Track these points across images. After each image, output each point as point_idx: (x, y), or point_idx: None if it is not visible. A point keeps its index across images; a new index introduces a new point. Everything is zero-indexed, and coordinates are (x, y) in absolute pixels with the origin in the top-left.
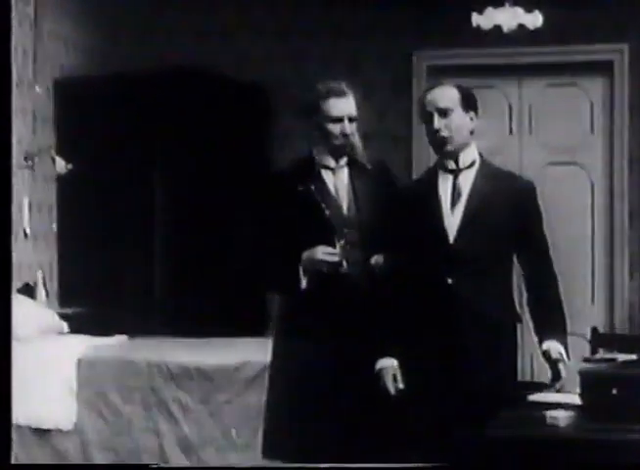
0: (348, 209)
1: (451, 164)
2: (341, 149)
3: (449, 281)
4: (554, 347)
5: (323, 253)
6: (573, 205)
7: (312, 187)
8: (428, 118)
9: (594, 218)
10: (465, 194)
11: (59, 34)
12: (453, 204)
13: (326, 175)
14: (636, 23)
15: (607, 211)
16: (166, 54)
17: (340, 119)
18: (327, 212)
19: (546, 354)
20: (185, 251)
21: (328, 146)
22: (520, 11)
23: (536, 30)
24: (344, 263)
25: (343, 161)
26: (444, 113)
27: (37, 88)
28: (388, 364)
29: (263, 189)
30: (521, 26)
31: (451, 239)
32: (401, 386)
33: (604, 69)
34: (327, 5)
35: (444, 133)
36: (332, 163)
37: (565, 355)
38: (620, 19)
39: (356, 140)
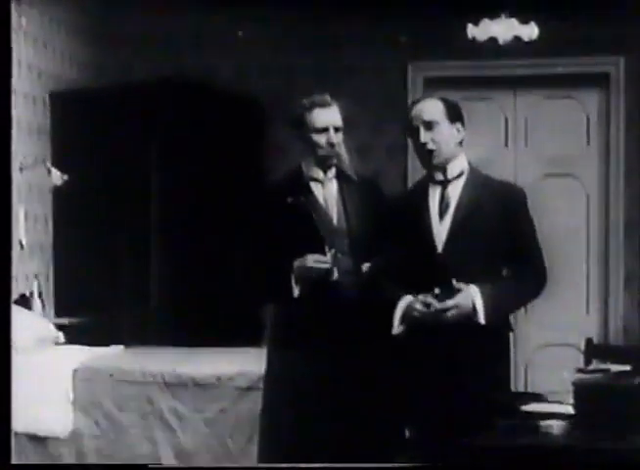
0: (338, 219)
1: (439, 176)
2: (327, 159)
3: (436, 291)
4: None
5: (313, 260)
6: (569, 216)
7: (302, 199)
8: (414, 133)
9: (589, 230)
10: (453, 204)
11: (54, 46)
12: (442, 214)
13: (315, 187)
14: (632, 35)
15: (602, 222)
16: (162, 66)
17: (325, 130)
18: (317, 223)
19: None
20: (181, 261)
21: (315, 157)
22: (515, 23)
23: (532, 42)
24: (335, 271)
25: (332, 173)
26: (430, 126)
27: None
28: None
29: (255, 202)
30: (516, 38)
31: (440, 247)
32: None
33: (600, 81)
34: (323, 17)
35: (430, 146)
36: (320, 175)
37: (475, 300)
38: (617, 31)
39: (343, 150)
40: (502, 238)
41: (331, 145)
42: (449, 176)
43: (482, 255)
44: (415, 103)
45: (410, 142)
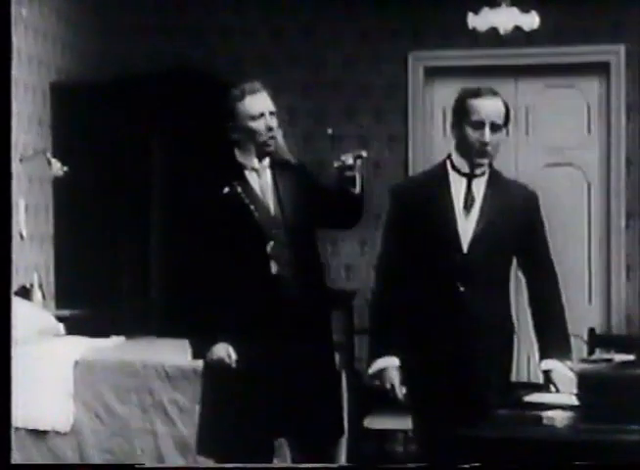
0: (275, 209)
1: (465, 168)
2: (267, 145)
3: (461, 288)
4: (557, 367)
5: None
6: (570, 205)
7: (239, 189)
8: (476, 126)
9: (591, 219)
10: (478, 201)
11: (55, 37)
12: (466, 207)
13: (250, 177)
14: (632, 24)
15: (603, 211)
16: (163, 57)
17: (261, 115)
18: (256, 214)
19: (546, 374)
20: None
21: (255, 144)
22: (516, 12)
23: (533, 31)
24: (275, 265)
25: (266, 161)
26: (496, 128)
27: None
28: (391, 364)
29: (188, 193)
30: (517, 28)
31: (465, 247)
32: (404, 390)
33: (600, 70)
34: (322, 6)
35: (489, 148)
36: (256, 163)
37: (569, 376)
38: (617, 20)
39: (279, 135)
40: (517, 239)
41: (269, 129)
42: (477, 172)
43: (501, 255)
44: (476, 94)
45: (409, 131)
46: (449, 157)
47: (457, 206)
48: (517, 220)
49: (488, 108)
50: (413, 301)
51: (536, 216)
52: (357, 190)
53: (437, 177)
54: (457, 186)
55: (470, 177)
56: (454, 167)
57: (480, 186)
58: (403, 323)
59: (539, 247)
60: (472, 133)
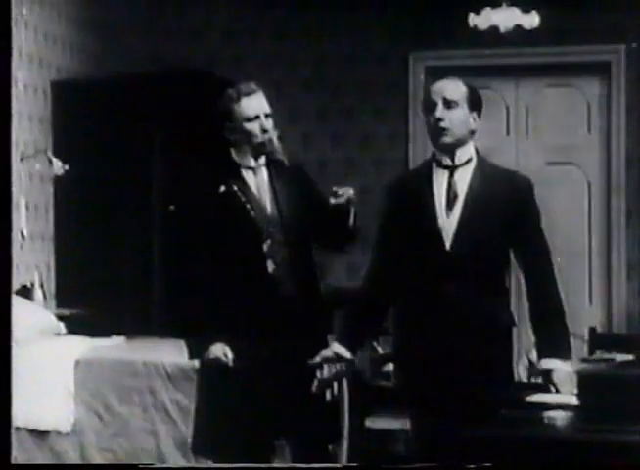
0: (271, 208)
1: (447, 161)
2: (263, 146)
3: (446, 285)
4: (556, 366)
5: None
6: (571, 205)
7: (235, 188)
8: (431, 107)
9: (591, 218)
10: (462, 195)
11: (55, 36)
12: (449, 204)
13: (247, 175)
14: (633, 23)
15: (604, 210)
16: (163, 56)
17: (256, 117)
18: (252, 213)
19: (546, 373)
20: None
21: (250, 145)
22: (517, 11)
23: (533, 31)
24: (271, 264)
25: (262, 160)
26: (449, 104)
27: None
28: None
29: (185, 192)
30: (518, 27)
31: (447, 243)
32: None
33: (601, 69)
34: (324, 6)
35: (445, 124)
36: (252, 162)
37: (570, 375)
38: (617, 19)
39: (274, 136)
40: (509, 229)
41: (264, 131)
42: (457, 162)
43: (490, 248)
44: (438, 80)
45: (410, 130)
46: (434, 152)
47: (439, 201)
48: (507, 210)
49: (440, 86)
50: (401, 299)
51: (528, 204)
52: (351, 223)
53: (423, 173)
54: (439, 180)
55: (452, 169)
56: (436, 161)
57: (464, 178)
58: (380, 322)
59: (532, 237)
60: (429, 116)
